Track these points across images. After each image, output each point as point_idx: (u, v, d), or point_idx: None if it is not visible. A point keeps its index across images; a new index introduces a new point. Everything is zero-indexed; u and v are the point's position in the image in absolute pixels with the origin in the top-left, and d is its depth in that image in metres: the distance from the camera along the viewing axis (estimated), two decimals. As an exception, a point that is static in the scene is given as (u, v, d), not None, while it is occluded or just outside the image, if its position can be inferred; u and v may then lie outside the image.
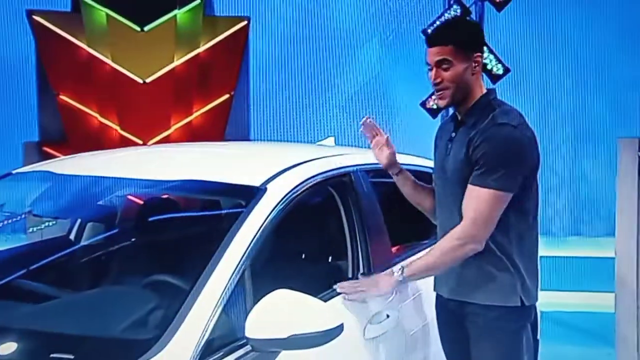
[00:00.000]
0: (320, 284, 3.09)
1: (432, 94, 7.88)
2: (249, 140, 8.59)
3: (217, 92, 8.01)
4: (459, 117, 3.12)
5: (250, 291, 2.79)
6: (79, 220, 3.93)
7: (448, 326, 3.30)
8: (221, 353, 2.54)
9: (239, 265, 2.72)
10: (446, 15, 7.91)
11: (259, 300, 2.61)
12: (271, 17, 9.16)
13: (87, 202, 3.78)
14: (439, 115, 7.98)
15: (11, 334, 2.64)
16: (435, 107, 7.97)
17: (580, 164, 10.11)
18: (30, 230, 4.26)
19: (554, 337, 5.80)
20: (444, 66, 2.97)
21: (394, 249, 3.84)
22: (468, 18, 7.72)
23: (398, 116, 9.35)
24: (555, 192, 10.15)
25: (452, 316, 3.23)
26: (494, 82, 7.87)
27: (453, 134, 3.10)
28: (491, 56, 7.87)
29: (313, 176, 3.34)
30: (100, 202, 3.84)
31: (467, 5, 7.91)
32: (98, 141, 7.41)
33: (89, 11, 7.49)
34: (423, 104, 8.04)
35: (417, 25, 8.42)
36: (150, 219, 3.70)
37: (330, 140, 4.68)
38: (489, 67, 7.81)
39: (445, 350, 3.38)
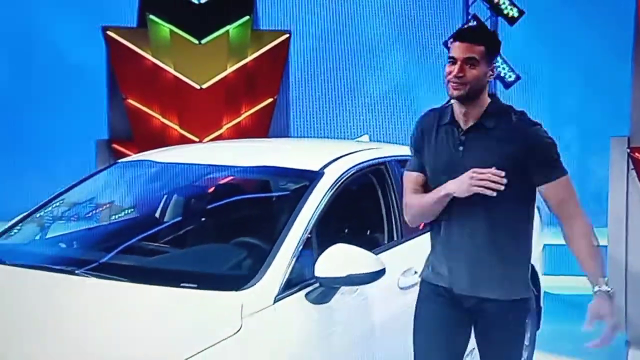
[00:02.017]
0: (362, 243, 3.34)
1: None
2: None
3: (262, 97, 8.08)
4: (464, 122, 2.96)
5: (315, 245, 3.30)
6: (177, 197, 4.35)
7: (445, 319, 3.12)
8: (297, 287, 3.10)
9: (307, 227, 3.31)
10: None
11: (322, 252, 3.17)
12: (309, 29, 9.25)
13: (185, 183, 4.32)
14: None
15: (150, 271, 3.28)
16: None
17: (587, 161, 10.02)
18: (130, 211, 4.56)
19: (558, 317, 6.04)
20: (471, 63, 2.85)
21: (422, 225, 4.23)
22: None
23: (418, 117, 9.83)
24: None
25: (456, 310, 3.07)
26: (506, 88, 8.19)
27: (462, 137, 2.95)
28: (504, 64, 8.09)
29: (357, 164, 3.85)
30: (196, 183, 4.34)
31: (483, 20, 8.09)
32: (160, 139, 7.50)
33: (154, 27, 7.71)
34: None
35: (437, 34, 8.59)
36: (235, 196, 4.11)
37: (365, 137, 5.09)
38: (502, 74, 8.08)
39: (423, 340, 3.18)
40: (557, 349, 5.60)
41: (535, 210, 5.31)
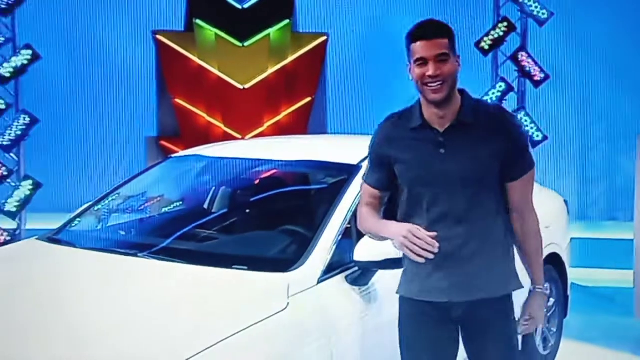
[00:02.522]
0: None
1: (484, 96, 7.93)
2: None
3: (300, 96, 8.23)
4: (438, 123, 2.69)
5: (354, 233, 3.35)
6: (225, 189, 4.41)
7: (433, 339, 2.86)
8: (338, 270, 3.23)
9: (346, 217, 3.41)
10: (496, 30, 7.98)
11: (360, 239, 3.21)
12: (345, 32, 9.24)
13: (231, 176, 4.39)
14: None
15: (205, 255, 3.45)
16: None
17: (615, 158, 10.00)
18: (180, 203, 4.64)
19: (585, 307, 6.06)
20: (442, 59, 2.60)
21: None
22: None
23: None
24: (593, 183, 10.26)
25: (444, 324, 2.84)
26: (535, 87, 8.08)
27: (441, 139, 2.69)
28: (532, 63, 7.99)
29: None
30: (242, 176, 4.42)
31: (513, 22, 7.98)
32: (205, 136, 7.65)
33: (200, 31, 7.88)
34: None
35: (468, 35, 8.31)
36: (279, 188, 4.22)
37: None
38: (531, 73, 7.97)
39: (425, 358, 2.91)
40: (584, 337, 5.58)
41: (563, 204, 5.47)
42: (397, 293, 2.87)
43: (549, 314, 5.05)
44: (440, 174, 2.68)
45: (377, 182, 2.86)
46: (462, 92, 2.73)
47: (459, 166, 2.66)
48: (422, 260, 2.62)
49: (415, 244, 2.60)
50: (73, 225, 4.02)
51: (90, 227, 4.04)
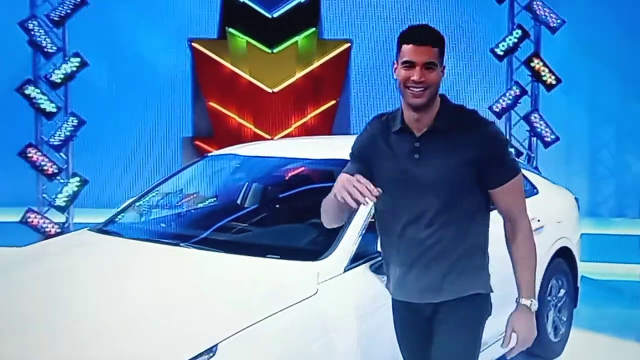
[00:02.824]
0: None
1: (499, 99, 7.98)
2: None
3: (326, 99, 8.26)
4: (416, 127, 2.59)
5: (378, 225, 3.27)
6: (256, 185, 4.43)
7: (414, 330, 2.78)
8: (363, 260, 3.25)
9: (370, 211, 3.32)
10: (511, 38, 7.97)
11: None
12: (368, 39, 9.24)
13: (265, 173, 4.45)
14: (503, 117, 8.10)
15: (240, 245, 3.52)
16: (499, 110, 8.02)
17: (624, 158, 10.12)
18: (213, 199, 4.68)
19: (595, 299, 6.10)
20: (429, 67, 2.49)
21: None
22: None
23: None
24: (603, 181, 10.29)
25: (421, 319, 2.72)
26: (548, 91, 8.02)
27: (417, 144, 2.57)
28: (545, 69, 7.94)
29: None
30: (272, 173, 4.45)
31: (527, 29, 7.96)
32: (237, 136, 7.72)
33: (232, 38, 7.98)
34: (490, 108, 8.04)
35: (484, 42, 8.47)
36: (307, 184, 4.23)
37: None
38: (544, 78, 7.92)
39: (406, 356, 2.87)
40: (594, 327, 5.60)
41: (574, 201, 5.44)
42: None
43: (559, 304, 5.06)
44: (413, 178, 2.58)
45: (355, 170, 2.68)
46: (442, 97, 2.63)
47: (431, 172, 2.56)
48: (354, 206, 2.46)
49: (355, 188, 2.42)
50: (119, 218, 4.10)
51: (135, 220, 4.11)
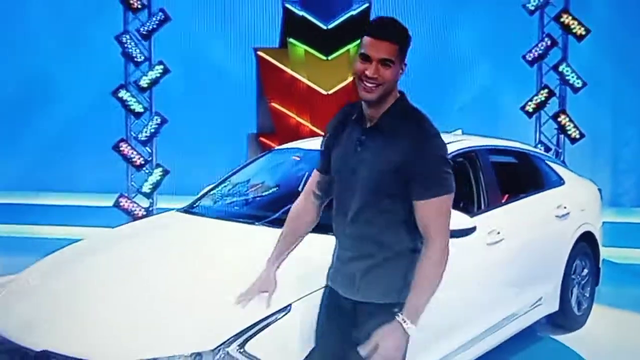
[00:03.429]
0: (459, 209, 3.27)
1: (530, 100, 7.97)
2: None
3: None
4: (369, 120, 2.31)
5: None
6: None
7: (334, 321, 2.49)
8: None
9: None
10: (539, 46, 7.93)
11: None
12: (413, 44, 9.50)
13: None
14: (534, 116, 8.14)
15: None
16: (530, 110, 8.03)
17: None
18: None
19: (615, 280, 6.03)
20: (386, 64, 2.19)
21: (504, 198, 4.22)
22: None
23: (503, 117, 9.41)
24: (625, 175, 10.22)
25: (343, 313, 2.41)
26: (574, 93, 7.98)
27: (363, 137, 2.30)
28: (572, 73, 7.90)
29: (456, 150, 3.96)
30: None
31: (555, 37, 7.92)
32: (295, 133, 7.70)
33: (292, 47, 8.01)
34: (522, 108, 8.09)
35: (516, 48, 8.39)
36: None
37: (459, 131, 4.97)
38: (571, 81, 7.89)
39: (319, 342, 2.58)
40: (614, 304, 5.61)
41: (597, 192, 5.43)
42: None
43: (582, 282, 5.06)
44: (350, 171, 2.32)
45: (321, 165, 2.54)
46: (400, 96, 2.33)
47: (362, 168, 2.29)
48: None
49: None
50: (201, 201, 4.19)
51: (214, 203, 4.15)
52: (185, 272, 3.04)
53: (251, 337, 2.60)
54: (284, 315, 2.70)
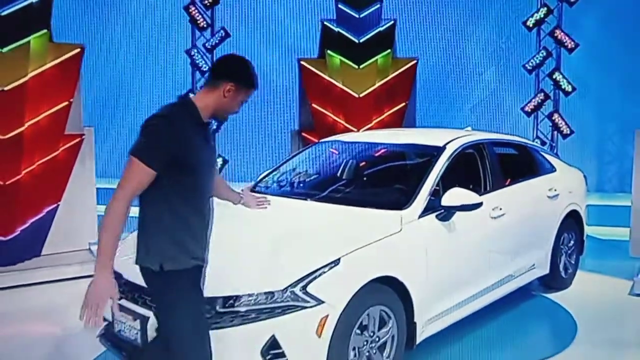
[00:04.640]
0: (468, 189, 3.56)
1: (528, 102, 8.03)
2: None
3: (398, 102, 7.94)
4: (205, 124, 2.39)
5: (441, 189, 3.62)
6: (354, 161, 4.51)
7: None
8: (431, 211, 3.47)
9: (436, 180, 3.66)
10: (538, 56, 7.92)
11: (445, 192, 3.52)
12: (431, 55, 9.29)
13: (360, 153, 4.56)
14: (532, 115, 8.13)
15: (348, 199, 3.69)
16: (529, 110, 8.04)
17: (624, 147, 9.80)
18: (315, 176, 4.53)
19: (597, 253, 6.24)
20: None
21: (506, 181, 4.34)
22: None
23: (506, 116, 9.59)
24: (608, 165, 10.21)
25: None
26: (566, 96, 7.96)
27: (204, 139, 2.38)
28: (564, 79, 7.87)
29: (465, 143, 4.09)
30: (364, 153, 4.52)
31: (550, 50, 7.89)
32: (332, 129, 7.43)
33: (329, 57, 7.90)
34: (522, 109, 8.12)
35: (518, 58, 8.43)
36: (390, 161, 4.34)
37: (469, 128, 5.02)
38: (563, 86, 7.88)
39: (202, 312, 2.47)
40: (597, 270, 5.74)
41: (583, 178, 5.51)
42: None
43: (569, 251, 5.14)
44: (209, 165, 2.44)
45: (161, 164, 2.28)
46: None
47: (212, 161, 2.48)
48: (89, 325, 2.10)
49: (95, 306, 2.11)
50: (261, 183, 4.32)
51: (272, 184, 4.28)
52: (258, 234, 3.22)
53: (311, 281, 2.82)
54: (334, 266, 2.89)
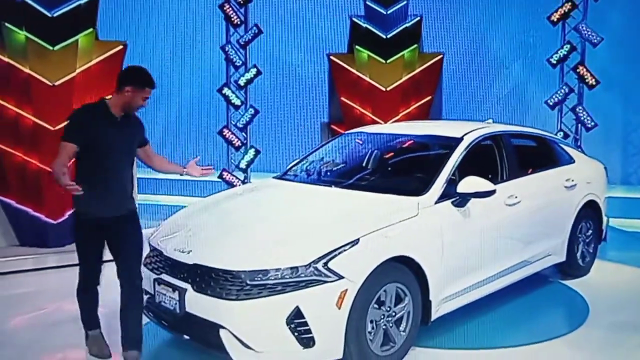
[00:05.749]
0: (485, 177, 3.68)
1: (553, 95, 8.04)
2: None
3: (424, 95, 8.01)
4: (118, 114, 3.16)
5: (457, 177, 3.72)
6: (377, 151, 4.56)
7: (94, 241, 3.20)
8: (447, 197, 3.60)
9: (453, 169, 3.76)
10: (562, 51, 7.88)
11: (461, 180, 3.64)
12: (456, 50, 9.22)
13: (383, 144, 4.66)
14: (556, 109, 8.10)
15: (370, 186, 3.81)
16: (552, 104, 7.99)
17: None
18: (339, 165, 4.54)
19: (619, 243, 6.27)
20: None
21: (523, 172, 4.39)
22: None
23: (530, 109, 9.48)
24: (633, 158, 10.09)
25: (97, 232, 3.17)
26: (590, 90, 7.92)
27: (119, 124, 3.17)
28: (588, 73, 7.78)
29: (482, 134, 4.19)
30: (388, 144, 4.62)
31: (574, 44, 7.83)
32: (360, 121, 7.45)
33: (358, 53, 7.97)
34: (546, 102, 8.10)
35: (542, 53, 8.38)
36: (412, 152, 4.44)
37: (490, 121, 5.01)
38: (587, 80, 7.83)
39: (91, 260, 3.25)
40: (618, 260, 5.74)
41: (603, 169, 5.57)
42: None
43: (587, 240, 5.17)
44: (113, 149, 3.19)
45: (79, 140, 3.16)
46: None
47: (123, 146, 3.23)
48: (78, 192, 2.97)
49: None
50: (289, 172, 4.48)
51: (300, 172, 4.43)
52: (286, 214, 3.47)
53: (332, 258, 3.00)
54: (354, 245, 3.06)
